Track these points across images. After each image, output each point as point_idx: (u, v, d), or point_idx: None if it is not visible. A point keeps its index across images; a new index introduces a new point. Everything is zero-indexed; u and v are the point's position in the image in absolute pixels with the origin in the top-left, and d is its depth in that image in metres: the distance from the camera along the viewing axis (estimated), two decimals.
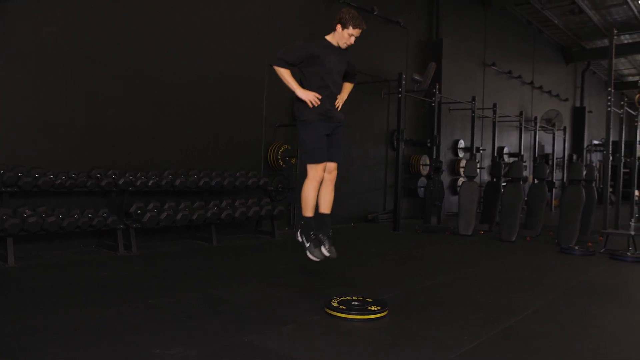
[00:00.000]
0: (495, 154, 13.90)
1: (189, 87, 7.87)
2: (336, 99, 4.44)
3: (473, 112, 12.55)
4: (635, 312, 4.93)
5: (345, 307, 4.13)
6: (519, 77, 17.40)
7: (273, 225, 8.31)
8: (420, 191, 12.41)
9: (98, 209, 6.47)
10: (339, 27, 4.33)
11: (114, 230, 6.53)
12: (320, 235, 4.40)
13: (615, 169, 10.78)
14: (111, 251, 6.55)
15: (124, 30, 7.13)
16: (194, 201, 7.48)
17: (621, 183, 10.46)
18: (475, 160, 11.39)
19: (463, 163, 13.84)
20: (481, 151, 14.15)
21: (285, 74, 4.28)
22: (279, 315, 4.13)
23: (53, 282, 5.08)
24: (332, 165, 4.43)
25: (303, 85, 4.33)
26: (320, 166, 4.31)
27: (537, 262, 7.27)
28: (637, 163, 12.50)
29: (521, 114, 16.12)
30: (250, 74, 8.75)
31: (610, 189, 11.66)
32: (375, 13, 11.11)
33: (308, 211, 4.40)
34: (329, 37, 4.41)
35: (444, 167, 12.84)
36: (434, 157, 11.15)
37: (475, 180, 10.22)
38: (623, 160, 10.52)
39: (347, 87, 4.62)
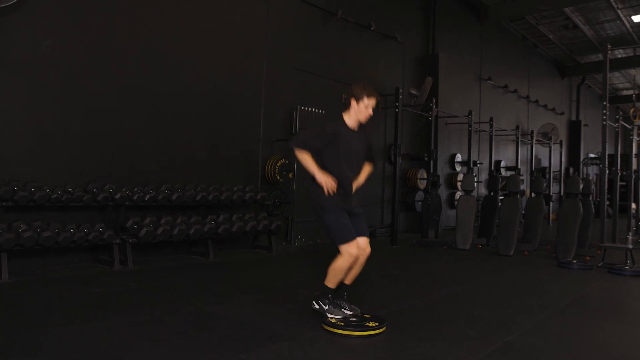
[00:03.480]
0: (492, 168, 13.90)
1: (186, 101, 7.87)
2: (355, 179, 4.41)
3: (470, 126, 12.59)
4: (635, 327, 4.90)
5: (343, 323, 4.09)
6: (515, 91, 17.48)
7: (270, 240, 8.27)
8: (418, 205, 12.39)
9: (94, 224, 6.43)
10: (353, 102, 4.32)
11: (109, 245, 6.48)
12: (336, 300, 4.36)
13: (611, 182, 10.80)
14: (107, 266, 6.50)
15: (122, 44, 7.14)
16: (190, 216, 7.44)
17: (618, 196, 10.47)
18: (473, 174, 11.39)
19: (460, 177, 13.87)
20: (478, 165, 14.17)
21: (305, 158, 4.24)
22: (276, 332, 4.09)
23: (47, 297, 5.03)
24: (364, 242, 4.35)
25: (323, 167, 4.29)
26: (353, 244, 4.22)
27: (535, 276, 7.24)
28: (634, 176, 12.54)
29: (517, 127, 16.15)
30: (247, 88, 8.76)
31: (607, 202, 11.65)
32: (372, 29, 11.17)
33: (334, 284, 4.33)
34: (345, 117, 4.39)
35: (441, 181, 12.84)
36: (431, 171, 11.16)
37: (472, 194, 10.21)
38: (619, 174, 10.54)
39: (366, 169, 4.58)
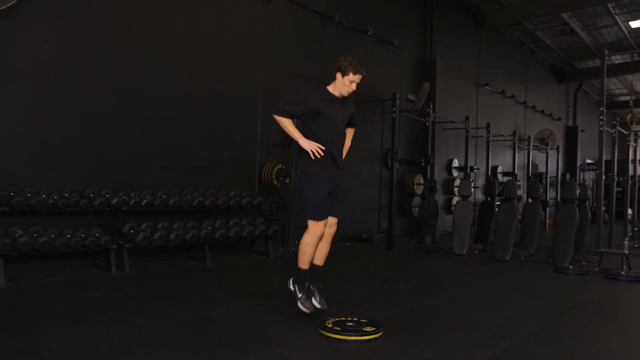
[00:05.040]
0: (489, 174, 13.93)
1: (183, 105, 7.88)
2: (340, 149, 4.46)
3: (467, 131, 12.61)
4: (632, 332, 4.91)
5: (339, 328, 4.09)
6: (512, 96, 17.52)
7: (267, 245, 8.27)
8: (415, 210, 12.40)
9: (91, 229, 6.43)
10: (338, 75, 4.35)
11: (106, 250, 6.48)
12: (311, 286, 4.43)
13: (608, 188, 10.82)
14: (104, 271, 6.50)
15: (120, 48, 7.15)
16: (187, 221, 7.44)
17: (614, 202, 10.48)
18: (470, 179, 11.41)
19: (457, 182, 13.88)
20: (475, 170, 14.18)
21: (287, 124, 4.31)
22: (274, 337, 4.08)
23: (44, 302, 5.02)
24: (333, 220, 4.44)
25: (306, 136, 4.35)
26: (321, 223, 4.30)
27: (531, 281, 7.24)
28: (630, 182, 12.57)
29: (515, 133, 16.22)
30: (245, 93, 8.78)
31: (603, 208, 11.67)
32: (369, 33, 11.20)
33: (304, 264, 4.41)
34: (330, 88, 4.43)
35: (438, 186, 12.85)
36: (428, 176, 11.17)
37: (469, 199, 10.22)
38: (616, 179, 10.56)
39: (350, 133, 4.66)
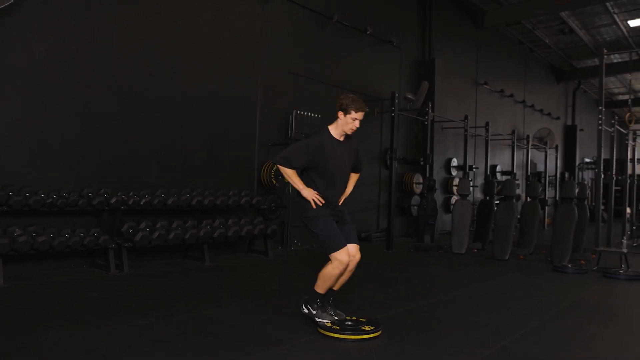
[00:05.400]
0: (488, 173, 13.93)
1: (182, 105, 7.87)
2: (340, 195, 4.44)
3: (466, 130, 12.62)
4: (631, 331, 4.91)
5: (338, 327, 4.10)
6: (511, 95, 17.52)
7: (266, 245, 8.27)
8: (414, 210, 12.40)
9: (89, 228, 6.43)
10: (340, 114, 4.31)
11: (105, 250, 6.48)
12: (324, 304, 4.40)
13: (607, 186, 10.83)
14: (102, 271, 6.49)
15: (118, 49, 7.14)
16: (186, 220, 7.43)
17: (613, 201, 10.49)
18: (468, 178, 11.41)
19: (456, 181, 13.88)
20: (474, 169, 14.19)
21: (291, 174, 4.29)
22: (273, 336, 4.09)
23: (44, 302, 5.02)
24: (354, 249, 4.38)
25: (309, 180, 4.33)
26: (343, 251, 4.24)
27: (530, 280, 7.25)
28: (629, 181, 12.58)
29: (513, 132, 16.22)
30: (243, 93, 8.77)
31: (602, 207, 11.69)
32: (368, 33, 11.20)
33: (323, 290, 4.35)
34: (332, 129, 4.39)
35: (437, 185, 12.86)
36: (427, 175, 11.17)
37: (468, 198, 10.23)
38: (615, 178, 10.57)
39: (353, 179, 4.63)
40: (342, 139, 4.39)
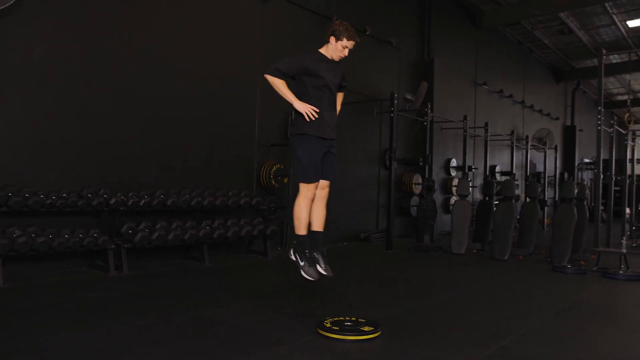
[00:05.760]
0: (487, 173, 13.94)
1: (181, 106, 7.87)
2: (332, 113, 4.44)
3: (465, 131, 12.62)
4: (631, 331, 4.91)
5: (338, 328, 4.09)
6: (510, 96, 17.54)
7: (265, 245, 8.26)
8: (413, 210, 12.40)
9: (89, 229, 6.42)
10: (332, 39, 4.34)
11: (105, 251, 6.47)
12: (315, 253, 4.35)
13: (606, 187, 10.83)
14: (102, 271, 6.49)
15: (118, 49, 7.14)
16: (185, 221, 7.43)
17: (612, 201, 10.50)
18: (468, 179, 11.41)
19: (455, 182, 13.88)
20: (473, 170, 14.19)
21: (280, 85, 4.28)
22: (272, 337, 4.08)
23: (44, 302, 5.01)
24: (324, 183, 4.42)
25: (299, 93, 4.34)
26: (313, 185, 4.31)
27: (530, 281, 7.25)
28: (628, 181, 12.58)
29: (513, 132, 16.22)
30: (243, 93, 8.77)
31: (601, 207, 11.69)
32: (367, 33, 11.20)
33: (301, 229, 4.36)
34: (322, 50, 4.43)
35: (437, 186, 12.86)
36: (427, 176, 11.18)
37: (467, 199, 10.23)
38: (614, 179, 10.57)
39: (340, 97, 4.65)
40: (330, 58, 4.42)
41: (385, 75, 12.08)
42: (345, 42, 4.31)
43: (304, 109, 4.24)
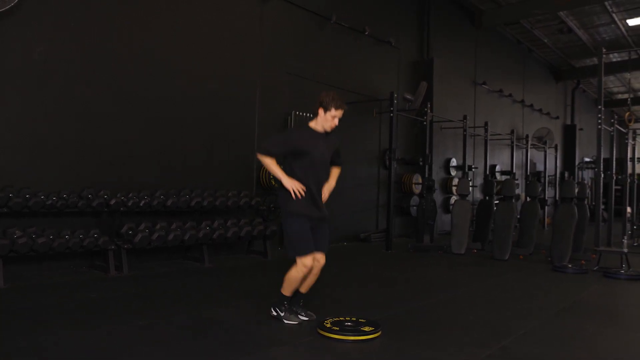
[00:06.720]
0: (487, 172, 13.93)
1: (181, 106, 7.87)
2: (321, 188, 4.42)
3: (465, 130, 12.61)
4: (631, 331, 4.90)
5: (338, 328, 4.09)
6: (510, 95, 17.53)
7: (265, 245, 8.26)
8: (413, 210, 12.40)
9: (89, 230, 6.42)
10: (321, 110, 4.34)
11: (105, 251, 6.48)
12: (293, 307, 4.49)
13: (607, 186, 10.83)
14: (102, 272, 6.49)
15: (117, 50, 7.14)
16: (185, 221, 7.43)
17: (613, 200, 10.50)
18: (468, 178, 11.41)
19: (455, 181, 13.88)
20: (473, 169, 14.19)
21: (270, 163, 4.31)
22: (273, 337, 4.09)
23: (44, 302, 5.02)
24: (319, 255, 4.39)
25: (289, 170, 4.34)
26: (309, 257, 4.27)
27: (530, 281, 7.25)
28: (629, 180, 12.58)
29: (512, 132, 16.22)
30: (242, 94, 8.78)
31: (602, 207, 11.69)
32: (366, 33, 11.20)
33: (289, 292, 4.44)
34: (312, 124, 4.42)
35: (436, 185, 12.86)
36: (426, 175, 11.17)
37: (467, 198, 10.22)
38: (614, 178, 10.57)
39: (335, 173, 4.61)
40: (323, 132, 4.41)
41: (385, 75, 12.08)
42: (333, 112, 4.31)
43: (291, 185, 4.24)
